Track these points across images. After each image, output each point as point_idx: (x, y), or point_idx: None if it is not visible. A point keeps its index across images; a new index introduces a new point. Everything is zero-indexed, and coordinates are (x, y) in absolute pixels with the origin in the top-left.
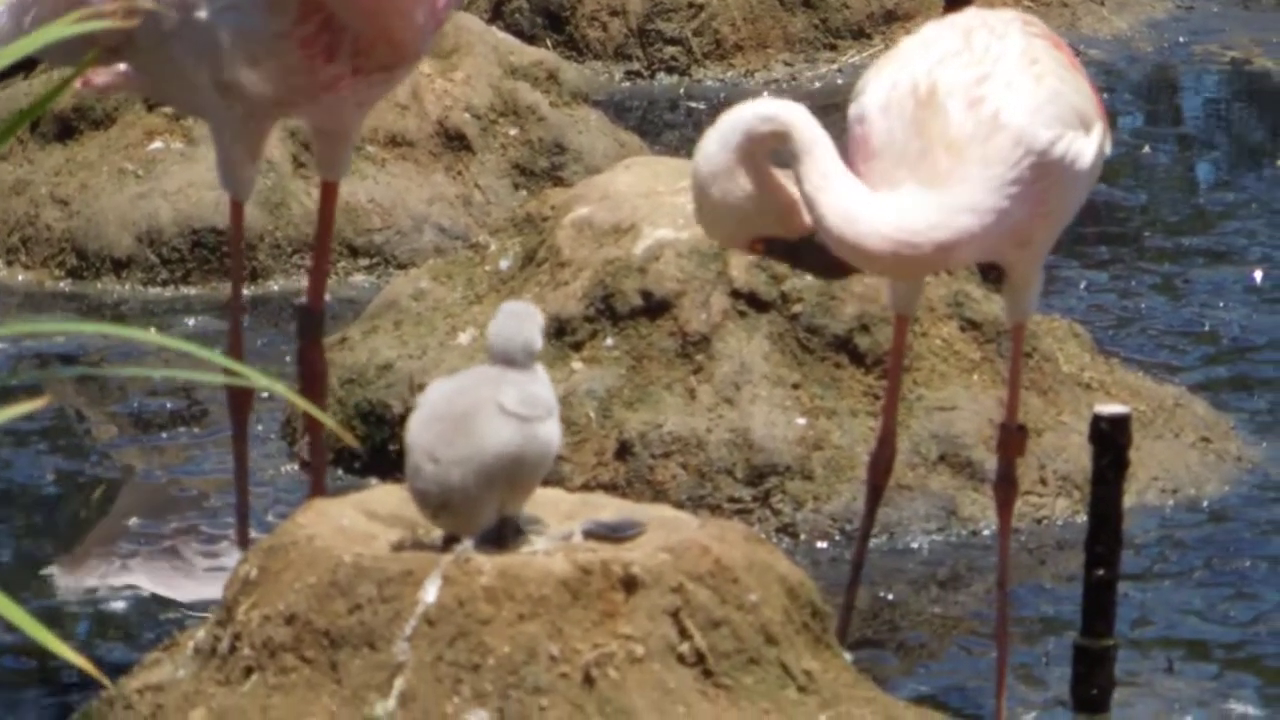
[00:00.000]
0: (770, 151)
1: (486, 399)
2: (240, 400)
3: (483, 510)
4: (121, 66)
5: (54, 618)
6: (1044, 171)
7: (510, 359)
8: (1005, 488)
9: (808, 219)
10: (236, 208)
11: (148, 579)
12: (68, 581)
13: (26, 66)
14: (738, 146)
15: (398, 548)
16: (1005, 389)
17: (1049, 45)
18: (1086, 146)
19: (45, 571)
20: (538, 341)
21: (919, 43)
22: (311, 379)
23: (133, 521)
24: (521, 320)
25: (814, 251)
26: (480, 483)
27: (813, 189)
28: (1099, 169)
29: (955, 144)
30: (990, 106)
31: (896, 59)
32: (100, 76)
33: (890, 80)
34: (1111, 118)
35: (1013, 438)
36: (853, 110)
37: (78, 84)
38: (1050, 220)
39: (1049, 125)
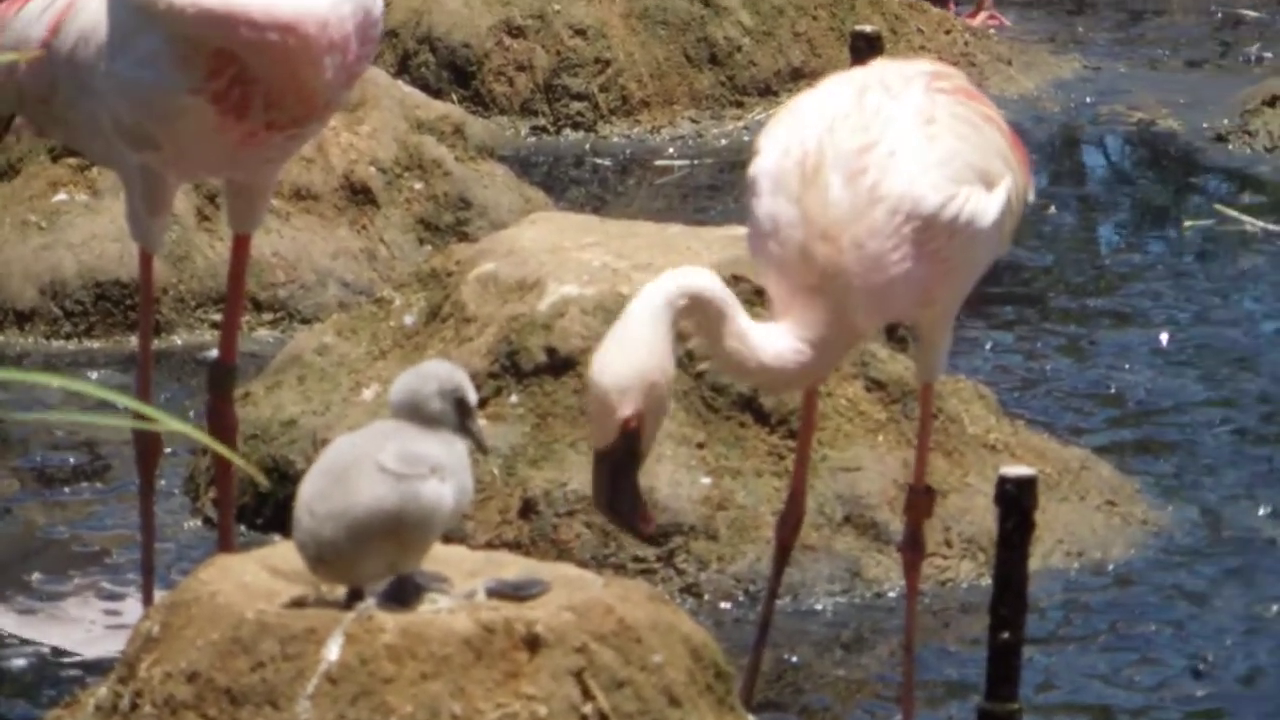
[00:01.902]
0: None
1: (367, 454)
2: (148, 448)
3: (362, 566)
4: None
5: None
6: (934, 233)
7: (402, 415)
8: (912, 550)
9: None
10: (146, 259)
11: (49, 634)
12: None
13: None
14: (670, 321)
15: (301, 605)
16: (911, 450)
17: (957, 99)
18: (988, 203)
19: None
20: (432, 403)
21: (815, 101)
22: (222, 432)
23: (34, 576)
24: (422, 379)
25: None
26: (352, 538)
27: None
28: (1013, 221)
29: (831, 231)
30: (870, 178)
31: (792, 117)
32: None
33: (783, 145)
34: None
35: (920, 500)
36: (750, 171)
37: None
38: (954, 279)
39: (938, 187)
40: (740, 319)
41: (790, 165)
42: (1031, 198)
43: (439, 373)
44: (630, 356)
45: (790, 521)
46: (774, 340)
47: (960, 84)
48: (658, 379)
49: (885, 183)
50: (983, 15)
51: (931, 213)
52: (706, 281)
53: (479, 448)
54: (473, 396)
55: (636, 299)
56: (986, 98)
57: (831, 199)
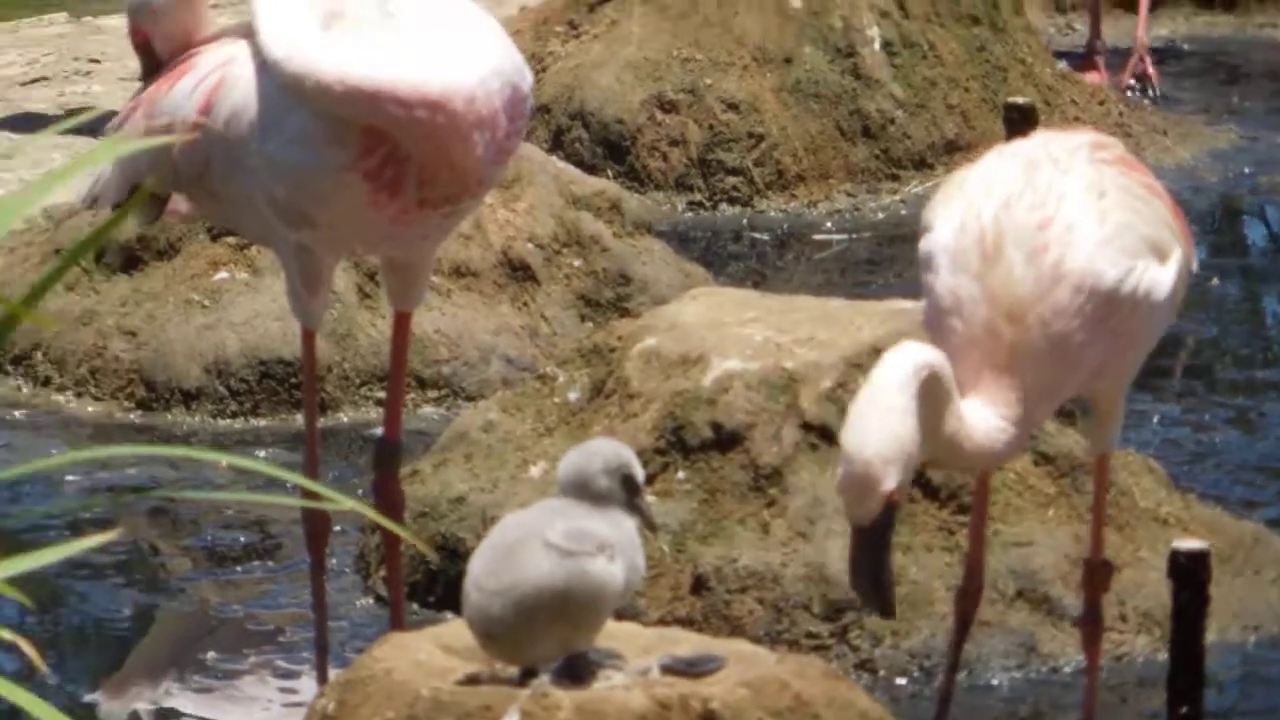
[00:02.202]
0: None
1: (535, 532)
2: (318, 526)
3: (532, 643)
4: (182, 206)
5: None
6: (1114, 309)
7: (570, 493)
8: (1091, 624)
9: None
10: (309, 336)
11: (226, 713)
12: (110, 707)
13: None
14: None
15: (475, 682)
16: (1081, 524)
17: (1121, 171)
18: (1162, 275)
19: (89, 698)
20: (599, 480)
21: (983, 179)
22: (389, 510)
23: (210, 655)
24: (589, 457)
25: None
26: (520, 615)
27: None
28: (1181, 291)
29: (1016, 310)
30: (1053, 255)
31: (962, 194)
32: (179, 204)
33: (958, 222)
34: None
35: (1097, 573)
36: (922, 248)
37: (168, 215)
38: (1132, 352)
39: (1115, 262)
40: (959, 400)
41: (969, 242)
42: (1195, 268)
43: (605, 451)
44: (890, 427)
45: (969, 594)
46: (983, 419)
47: (1121, 154)
48: (913, 450)
49: (1067, 260)
50: (1131, 63)
51: (1112, 288)
52: (939, 358)
53: (648, 525)
54: (639, 474)
55: (881, 369)
56: (1146, 167)
57: (1015, 277)
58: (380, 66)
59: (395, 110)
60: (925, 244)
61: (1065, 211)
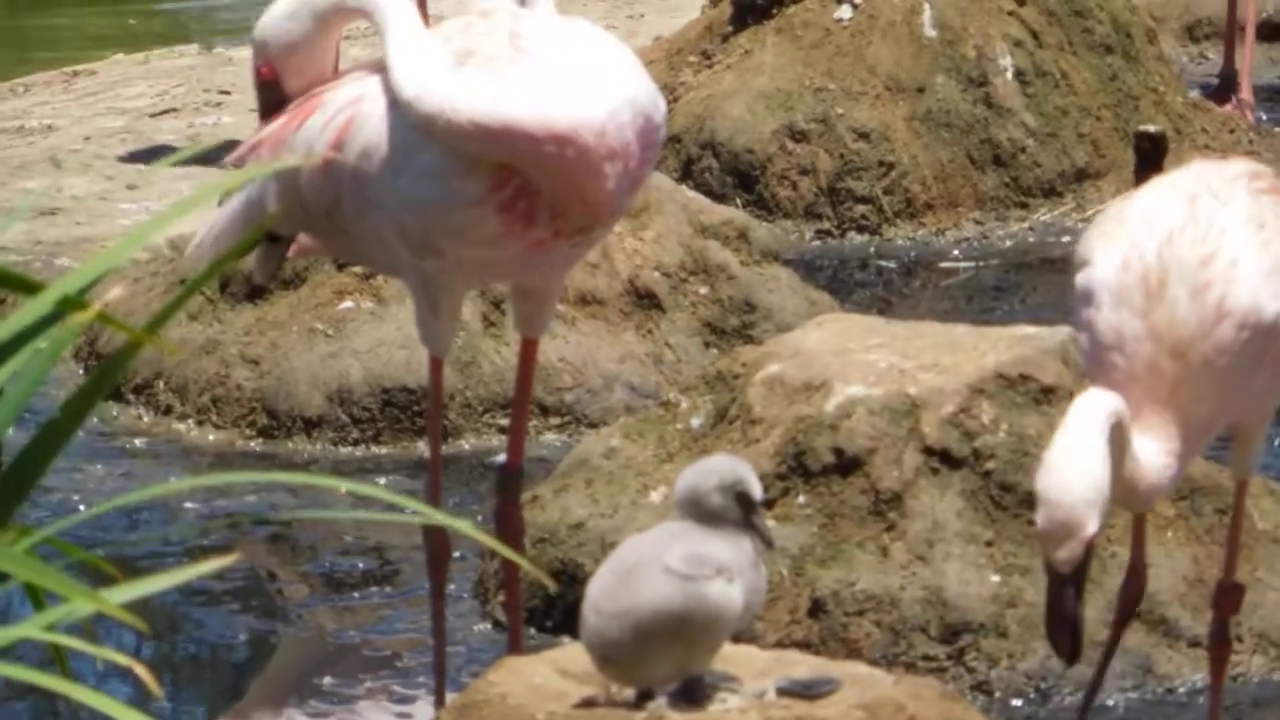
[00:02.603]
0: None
1: (654, 555)
2: (439, 550)
3: (648, 666)
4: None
5: None
6: (1275, 341)
7: (685, 511)
8: (1219, 646)
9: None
10: (436, 364)
11: None
12: None
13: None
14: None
15: (591, 705)
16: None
17: (1278, 199)
18: None
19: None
20: (713, 497)
21: (1144, 214)
22: (509, 536)
23: (326, 680)
24: (704, 474)
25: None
26: (638, 638)
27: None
28: None
29: (1179, 347)
30: (1216, 292)
31: (1123, 229)
32: (303, 240)
33: (1120, 259)
34: None
35: (1229, 595)
36: (1080, 281)
37: (290, 251)
38: None
39: (1276, 295)
40: (1135, 441)
41: (1132, 280)
42: None
43: (720, 468)
44: (1090, 473)
45: (1132, 592)
46: (1154, 457)
47: (1275, 182)
48: (1108, 493)
49: (1230, 296)
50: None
51: (1274, 322)
52: (1121, 404)
53: (764, 543)
54: (756, 491)
55: (1073, 415)
56: None
57: (1179, 316)
58: (509, 103)
59: (525, 146)
60: (1084, 279)
61: (1227, 246)
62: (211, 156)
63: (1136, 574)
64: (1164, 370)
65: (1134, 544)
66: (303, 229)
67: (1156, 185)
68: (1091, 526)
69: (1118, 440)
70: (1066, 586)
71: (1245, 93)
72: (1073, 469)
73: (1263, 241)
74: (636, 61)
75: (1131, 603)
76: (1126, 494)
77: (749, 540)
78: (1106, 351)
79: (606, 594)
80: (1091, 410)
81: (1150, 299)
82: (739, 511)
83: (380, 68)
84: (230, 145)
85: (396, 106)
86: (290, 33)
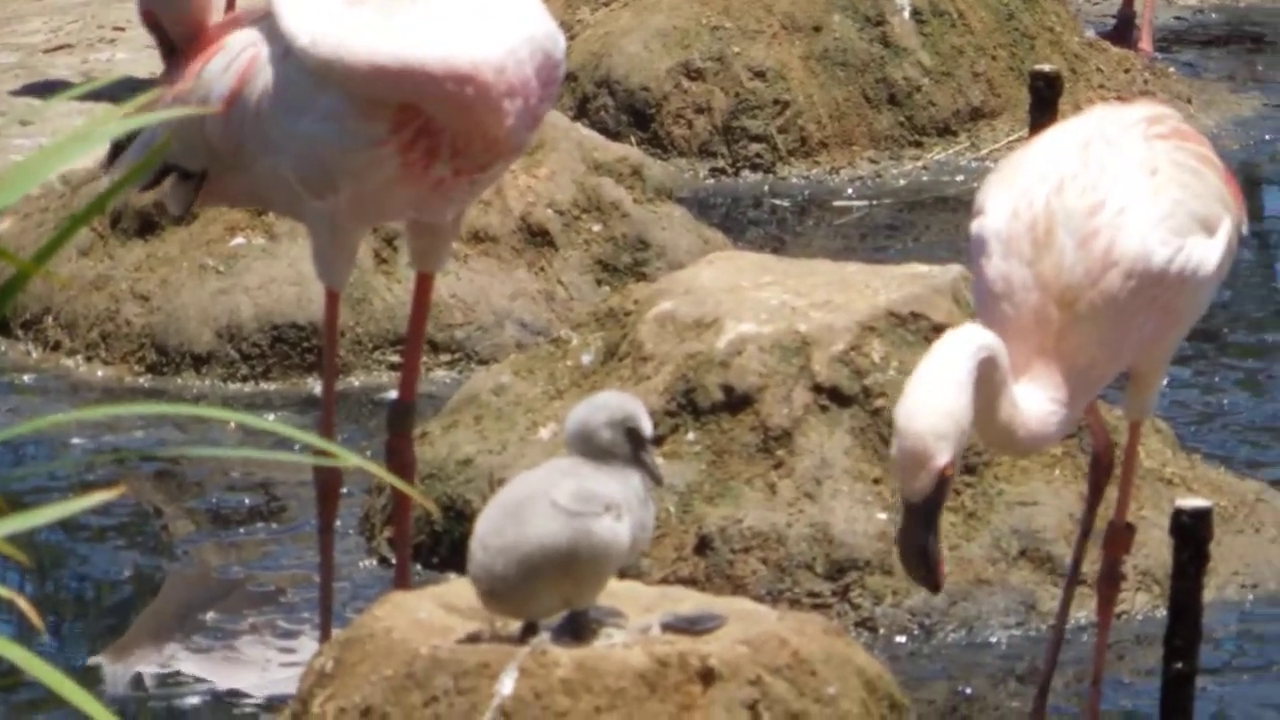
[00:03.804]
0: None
1: (542, 491)
2: (329, 485)
3: (534, 601)
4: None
5: (128, 713)
6: (1163, 288)
7: (575, 446)
8: (1109, 585)
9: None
10: (333, 298)
11: (224, 674)
12: (114, 669)
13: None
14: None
15: (475, 640)
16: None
17: (1175, 144)
18: (1209, 251)
19: (93, 660)
20: (603, 433)
21: (1037, 158)
22: (401, 470)
23: (210, 616)
24: (594, 409)
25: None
26: (523, 573)
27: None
28: (1230, 260)
29: (1067, 296)
30: (1103, 240)
31: (1017, 176)
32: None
33: (1011, 207)
34: None
35: (1120, 535)
36: (974, 229)
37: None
38: (1180, 325)
39: (1165, 242)
40: (1013, 385)
41: (1021, 228)
42: (1245, 230)
43: (610, 404)
44: (945, 402)
45: (1101, 465)
46: (1036, 404)
47: (1176, 125)
48: (966, 426)
49: (1118, 245)
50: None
51: (1161, 269)
52: (997, 343)
53: (653, 479)
54: (646, 427)
55: (940, 346)
56: (1201, 135)
57: (1066, 264)
58: (407, 44)
59: (425, 87)
60: (977, 227)
61: (1117, 194)
62: (105, 92)
63: (1103, 449)
64: (1051, 319)
65: (1095, 430)
66: (206, 165)
67: (1055, 131)
68: (942, 458)
69: (989, 378)
70: (918, 516)
71: (1145, 43)
72: (928, 399)
73: (1154, 188)
74: None
75: (1101, 474)
76: (1004, 438)
77: (638, 477)
78: (996, 300)
79: (494, 529)
80: (959, 344)
81: (1038, 248)
82: (628, 448)
83: (272, 15)
84: (125, 82)
85: (292, 53)
86: None
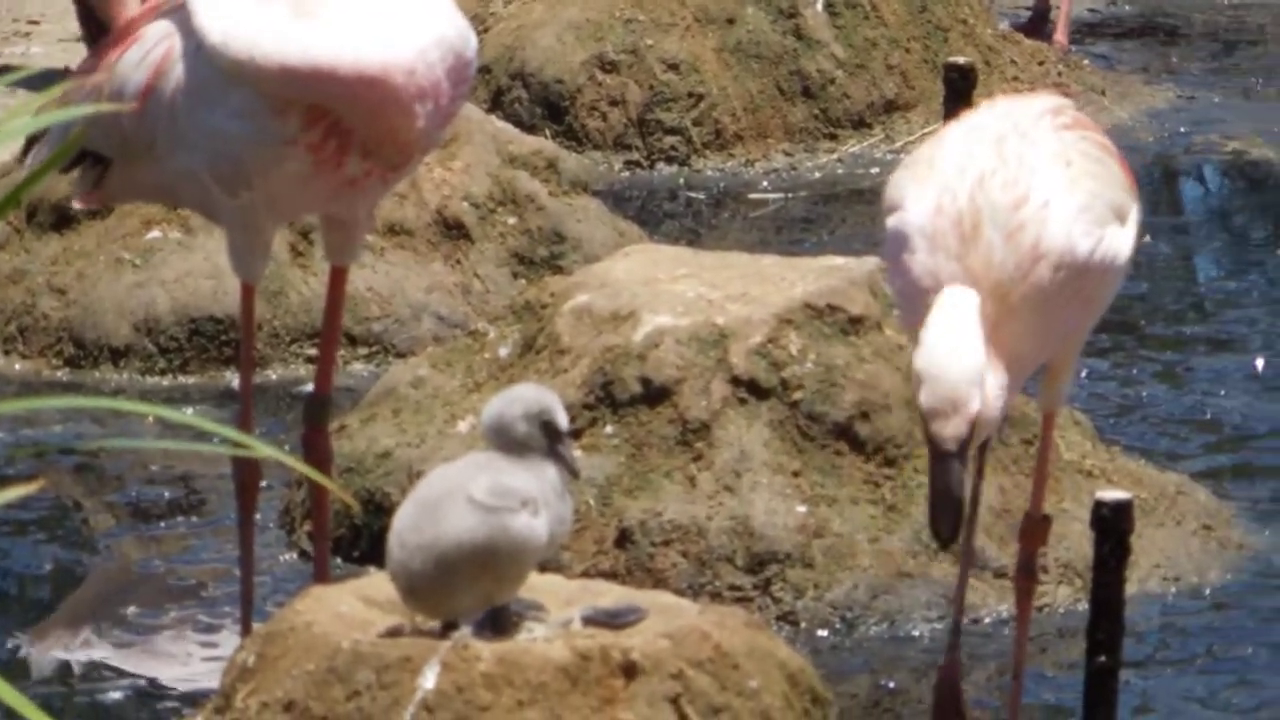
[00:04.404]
0: None
1: (459, 487)
2: (248, 478)
3: (453, 598)
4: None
5: (53, 707)
6: (1087, 278)
7: (491, 439)
8: (1026, 577)
9: None
10: (248, 291)
11: (145, 667)
12: (33, 651)
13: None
14: None
15: (396, 634)
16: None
17: (1080, 135)
18: (1124, 238)
19: (18, 652)
20: (518, 426)
21: (953, 152)
22: (318, 463)
23: (131, 610)
24: (509, 402)
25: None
26: (442, 569)
27: None
28: (1137, 243)
29: (999, 290)
30: (1030, 234)
31: (933, 172)
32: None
33: (934, 203)
34: None
35: (1036, 527)
36: (892, 224)
37: (77, 203)
38: (1094, 313)
39: (1088, 233)
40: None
41: (946, 224)
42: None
43: (526, 397)
44: (969, 350)
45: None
46: (990, 388)
47: (1077, 115)
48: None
49: (1046, 238)
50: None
51: (1085, 259)
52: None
53: (570, 472)
54: (562, 420)
55: (944, 302)
56: (1097, 125)
57: (996, 259)
58: (317, 46)
59: (334, 89)
60: (896, 222)
61: (1038, 187)
62: (20, 85)
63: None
64: (986, 312)
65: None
66: (120, 155)
67: (963, 126)
68: (975, 403)
69: None
70: (951, 462)
71: (1061, 35)
72: (953, 347)
73: (1070, 179)
74: None
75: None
76: None
77: (555, 470)
78: (924, 295)
79: (411, 526)
80: (960, 300)
81: (965, 243)
82: (545, 441)
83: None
84: (42, 75)
85: (205, 49)
86: None
